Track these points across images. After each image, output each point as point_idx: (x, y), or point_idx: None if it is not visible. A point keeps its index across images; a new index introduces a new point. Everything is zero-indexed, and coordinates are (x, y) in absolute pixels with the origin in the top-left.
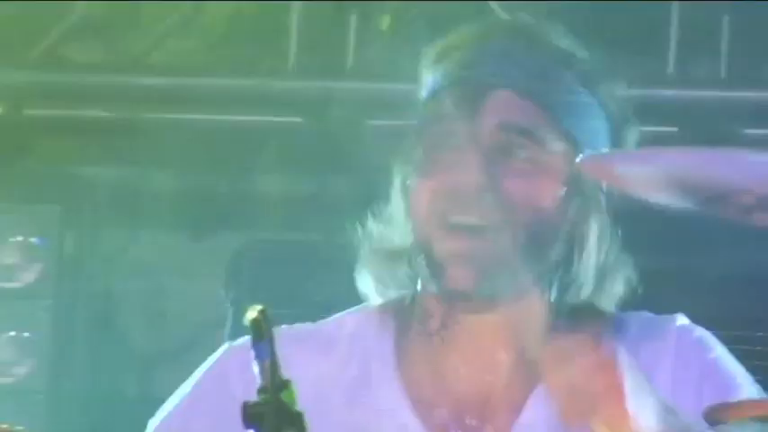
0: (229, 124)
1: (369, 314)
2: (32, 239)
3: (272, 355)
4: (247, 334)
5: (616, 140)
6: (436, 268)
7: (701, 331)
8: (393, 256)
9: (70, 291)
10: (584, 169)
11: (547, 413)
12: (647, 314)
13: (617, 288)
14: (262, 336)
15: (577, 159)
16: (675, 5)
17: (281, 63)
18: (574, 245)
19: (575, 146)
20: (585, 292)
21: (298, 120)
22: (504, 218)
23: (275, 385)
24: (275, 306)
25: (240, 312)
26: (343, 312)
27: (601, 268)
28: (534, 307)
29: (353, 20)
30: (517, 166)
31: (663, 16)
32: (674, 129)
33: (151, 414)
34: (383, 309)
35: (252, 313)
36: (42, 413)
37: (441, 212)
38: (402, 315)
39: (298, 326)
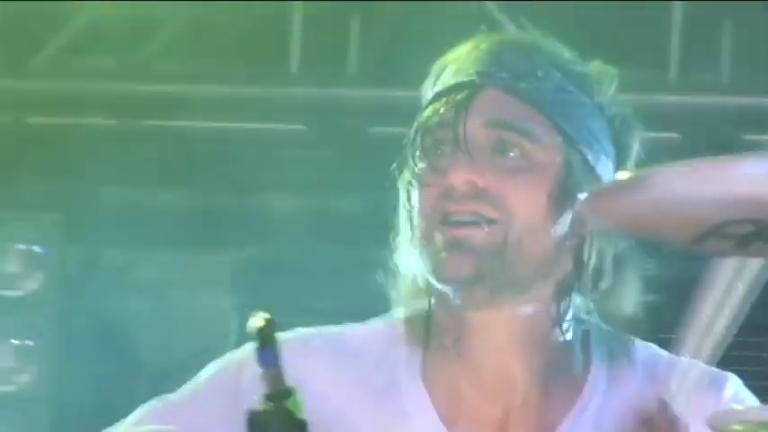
0: (232, 132)
1: (395, 325)
2: (35, 248)
3: (277, 362)
4: (252, 341)
5: (618, 144)
6: (436, 258)
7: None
8: (418, 293)
9: (73, 300)
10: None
11: None
12: (696, 363)
13: (623, 299)
14: (266, 343)
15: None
16: (678, 7)
17: (284, 70)
18: (573, 247)
19: (569, 141)
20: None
21: (301, 127)
22: (500, 214)
23: (280, 393)
24: (279, 314)
25: (245, 321)
26: (370, 321)
27: (599, 273)
28: (541, 312)
29: (355, 24)
30: (509, 164)
31: (664, 21)
32: (676, 135)
33: None
34: (409, 320)
35: (256, 321)
36: (45, 422)
37: (441, 213)
38: (424, 328)
39: (324, 331)
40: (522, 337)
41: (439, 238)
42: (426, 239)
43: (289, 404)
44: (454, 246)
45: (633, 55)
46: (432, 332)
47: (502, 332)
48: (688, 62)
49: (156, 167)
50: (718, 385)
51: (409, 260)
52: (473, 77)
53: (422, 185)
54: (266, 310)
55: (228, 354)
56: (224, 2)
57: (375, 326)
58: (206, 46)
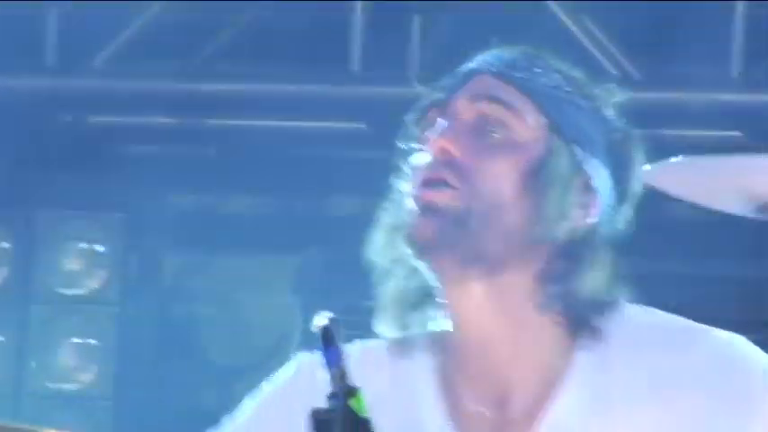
0: (293, 130)
1: (416, 337)
2: (96, 247)
3: (341, 361)
4: (317, 341)
5: (616, 156)
6: (410, 224)
7: (744, 350)
8: (404, 298)
9: (135, 299)
10: (651, 180)
11: (570, 410)
12: (668, 317)
13: (596, 276)
14: (331, 342)
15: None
16: (739, 6)
17: (344, 68)
18: (546, 227)
19: (556, 130)
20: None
21: (361, 126)
22: (468, 184)
23: (344, 392)
24: (343, 313)
25: (309, 321)
26: (394, 335)
27: (570, 254)
28: (518, 286)
29: (416, 23)
30: (489, 141)
31: (726, 19)
32: (738, 134)
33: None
34: (428, 333)
35: (320, 320)
36: (107, 420)
37: (419, 181)
38: (437, 341)
39: (356, 343)
40: (501, 315)
41: (413, 203)
42: (407, 209)
43: (352, 403)
44: (423, 210)
45: (694, 52)
46: (444, 343)
47: (487, 308)
48: (751, 59)
49: (216, 167)
50: (702, 343)
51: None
52: (471, 66)
53: (412, 162)
54: (330, 310)
55: (280, 373)
56: (284, 2)
57: (395, 339)
58: (266, 45)
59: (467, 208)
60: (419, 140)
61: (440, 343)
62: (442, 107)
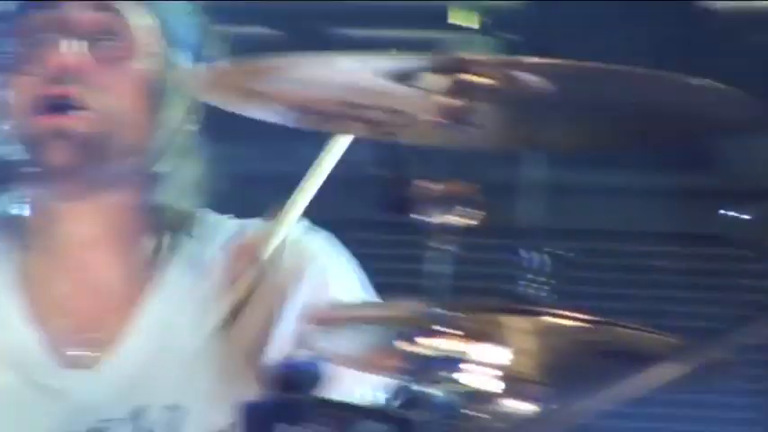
0: None
1: None
2: None
3: None
4: None
5: (201, 41)
6: (35, 147)
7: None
8: None
9: None
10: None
11: (151, 325)
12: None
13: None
14: None
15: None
16: None
17: None
18: (163, 143)
19: (168, 37)
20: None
21: None
22: (94, 100)
23: None
24: None
25: None
26: None
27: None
28: (126, 202)
29: None
30: (111, 53)
31: None
32: (280, 33)
33: None
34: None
35: None
36: None
37: (38, 99)
38: (17, 231)
39: None
40: (110, 228)
41: (37, 125)
42: (25, 129)
43: None
44: (51, 133)
45: None
46: (27, 233)
47: (92, 222)
48: None
49: None
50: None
51: None
52: None
53: (18, 74)
54: None
55: None
56: None
57: None
58: None
59: (97, 132)
60: (20, 46)
61: (18, 230)
62: (49, 17)
